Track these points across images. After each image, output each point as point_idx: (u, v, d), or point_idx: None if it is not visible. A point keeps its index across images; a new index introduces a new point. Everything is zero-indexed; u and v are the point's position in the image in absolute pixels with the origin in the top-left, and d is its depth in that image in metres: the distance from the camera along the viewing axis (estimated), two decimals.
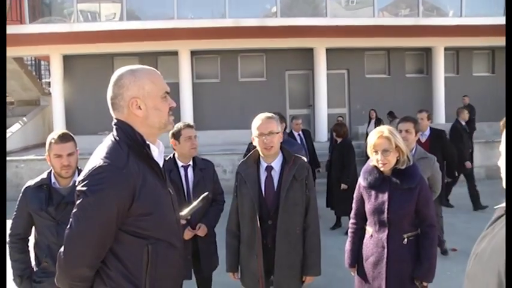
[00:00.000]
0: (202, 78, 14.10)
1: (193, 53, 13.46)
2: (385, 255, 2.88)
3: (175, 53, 13.17)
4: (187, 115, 13.20)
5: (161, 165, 1.94)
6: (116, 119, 1.85)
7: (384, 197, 2.90)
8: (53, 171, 2.80)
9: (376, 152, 2.90)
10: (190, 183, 3.45)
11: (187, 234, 3.25)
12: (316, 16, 12.49)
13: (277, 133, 2.91)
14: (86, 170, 1.75)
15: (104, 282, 1.78)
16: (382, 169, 2.92)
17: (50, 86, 14.96)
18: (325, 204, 7.27)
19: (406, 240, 2.88)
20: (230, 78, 14.02)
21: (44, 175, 2.81)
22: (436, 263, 2.90)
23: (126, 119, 1.83)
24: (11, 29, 11.92)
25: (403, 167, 2.91)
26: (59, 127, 12.92)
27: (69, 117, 13.35)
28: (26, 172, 9.83)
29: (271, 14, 12.84)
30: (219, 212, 3.57)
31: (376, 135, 2.91)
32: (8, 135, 12.30)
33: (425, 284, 2.87)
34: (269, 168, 2.97)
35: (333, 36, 12.69)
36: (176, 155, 3.51)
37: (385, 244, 2.88)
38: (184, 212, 2.41)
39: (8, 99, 16.93)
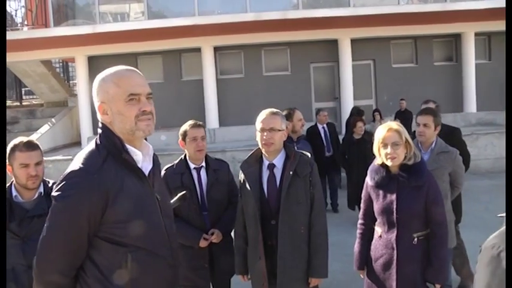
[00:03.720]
0: (226, 74, 14.01)
1: (216, 49, 13.39)
2: (395, 256, 2.77)
3: (198, 50, 13.13)
4: (212, 112, 13.21)
5: (148, 169, 1.85)
6: (101, 122, 1.80)
7: (392, 196, 2.79)
8: (14, 183, 2.56)
9: (384, 145, 2.78)
10: (203, 186, 3.21)
11: (203, 243, 3.07)
12: (339, 6, 12.26)
13: (280, 130, 2.80)
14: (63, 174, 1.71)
15: None
16: (390, 164, 2.79)
17: None
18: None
19: (416, 240, 2.77)
20: (254, 73, 13.88)
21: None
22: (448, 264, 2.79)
23: (105, 123, 1.79)
24: (37, 33, 12.19)
25: (410, 163, 2.79)
26: (86, 127, 13.15)
27: (95, 117, 13.41)
28: (54, 173, 9.98)
29: (293, 7, 12.64)
30: (235, 215, 3.35)
31: (385, 129, 2.81)
32: (37, 136, 12.54)
33: (438, 286, 2.74)
34: (271, 166, 2.86)
35: (357, 26, 12.39)
36: (187, 156, 3.29)
37: (395, 245, 2.78)
38: None
39: (37, 101, 17.33)
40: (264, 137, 2.77)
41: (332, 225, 6.67)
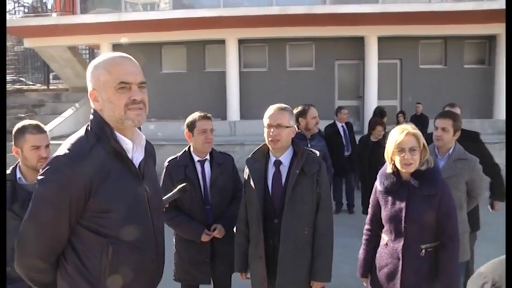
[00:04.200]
0: (249, 67, 13.91)
1: (240, 42, 13.30)
2: (400, 267, 2.61)
3: (222, 42, 13.07)
4: (234, 104, 13.17)
5: (139, 159, 1.81)
6: (93, 109, 1.77)
7: (402, 204, 2.62)
8: (19, 165, 2.60)
9: (401, 150, 2.59)
10: (207, 180, 3.16)
11: (205, 237, 3.03)
12: (367, 3, 11.94)
13: (288, 127, 2.69)
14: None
15: (61, 276, 1.71)
16: (404, 170, 2.62)
17: None
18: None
19: (424, 251, 2.60)
20: (278, 67, 13.73)
21: (8, 170, 2.59)
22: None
23: (96, 110, 1.76)
24: (64, 20, 12.36)
25: (423, 168, 2.61)
26: None
27: None
28: None
29: (319, 1, 12.42)
30: (238, 210, 3.32)
31: (401, 132, 2.61)
32: (61, 120, 12.79)
33: None
34: (277, 163, 2.74)
35: (385, 24, 12.05)
36: (192, 148, 3.23)
37: (401, 255, 2.62)
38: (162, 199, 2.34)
39: (63, 86, 17.63)
40: (271, 133, 2.68)
41: (345, 226, 6.64)
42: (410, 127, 2.66)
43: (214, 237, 3.07)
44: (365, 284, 2.95)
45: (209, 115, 3.21)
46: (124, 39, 11.07)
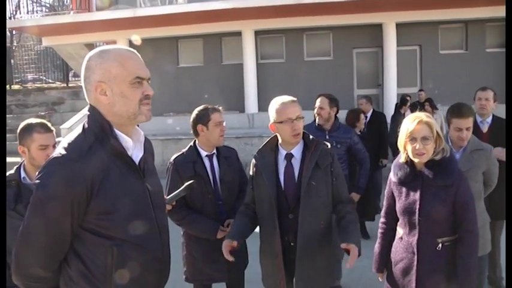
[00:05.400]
0: (266, 59, 13.81)
1: (257, 33, 13.20)
2: (415, 262, 2.51)
3: (238, 34, 12.99)
4: (251, 96, 13.11)
5: (138, 157, 1.74)
6: (90, 105, 1.68)
7: (416, 195, 2.51)
8: (24, 164, 2.54)
9: (412, 140, 2.48)
10: (217, 175, 3.07)
11: (220, 233, 2.94)
12: None
13: (303, 118, 2.62)
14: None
15: (65, 283, 1.63)
16: (417, 160, 2.51)
17: None
18: None
19: (440, 246, 2.48)
20: (295, 58, 13.59)
21: (12, 170, 2.52)
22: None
23: (95, 104, 1.65)
24: (80, 17, 12.44)
25: (438, 158, 2.49)
26: None
27: None
28: None
29: None
30: None
31: (414, 120, 2.49)
32: (79, 117, 12.93)
33: None
34: (289, 156, 2.65)
35: (404, 10, 11.78)
36: (198, 143, 3.11)
37: (415, 249, 2.51)
38: (168, 197, 2.29)
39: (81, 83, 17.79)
40: (295, 127, 2.58)
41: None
42: (424, 115, 2.54)
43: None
44: (380, 280, 2.85)
45: (219, 108, 3.12)
46: (135, 36, 11.06)
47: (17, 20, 14.41)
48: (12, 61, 20.18)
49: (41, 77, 21.29)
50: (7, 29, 14.71)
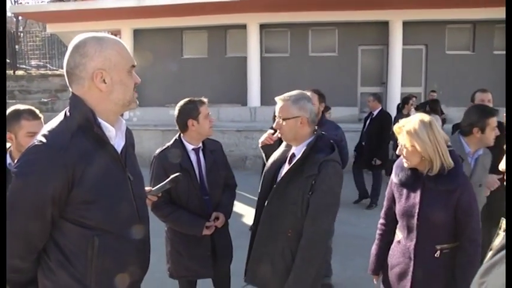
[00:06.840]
0: (271, 52, 13.72)
1: (262, 27, 13.12)
2: (411, 268, 2.42)
3: (243, 27, 12.91)
4: (254, 90, 13.05)
5: (120, 146, 1.72)
6: (72, 93, 1.63)
7: (416, 198, 2.41)
8: (11, 150, 2.51)
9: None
10: (203, 169, 2.98)
11: (206, 230, 2.88)
12: None
13: (288, 118, 2.42)
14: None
15: (44, 275, 1.60)
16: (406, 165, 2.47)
17: None
18: None
19: (438, 253, 2.38)
20: (300, 53, 13.49)
21: None
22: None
23: (85, 93, 1.61)
24: (85, 5, 12.36)
25: (434, 174, 2.39)
26: None
27: (138, 89, 13.29)
28: None
29: None
30: (233, 198, 3.15)
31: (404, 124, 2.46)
32: None
33: None
34: (292, 156, 2.53)
35: (411, 8, 11.68)
36: (183, 137, 3.02)
37: (412, 254, 2.42)
38: (154, 189, 2.26)
39: None
40: (277, 126, 2.52)
41: (367, 216, 6.50)
42: (419, 118, 2.41)
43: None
44: (375, 282, 2.79)
45: (205, 100, 3.01)
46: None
47: (20, 6, 14.35)
48: (17, 47, 20.16)
49: (45, 64, 21.27)
50: (12, 14, 14.64)
